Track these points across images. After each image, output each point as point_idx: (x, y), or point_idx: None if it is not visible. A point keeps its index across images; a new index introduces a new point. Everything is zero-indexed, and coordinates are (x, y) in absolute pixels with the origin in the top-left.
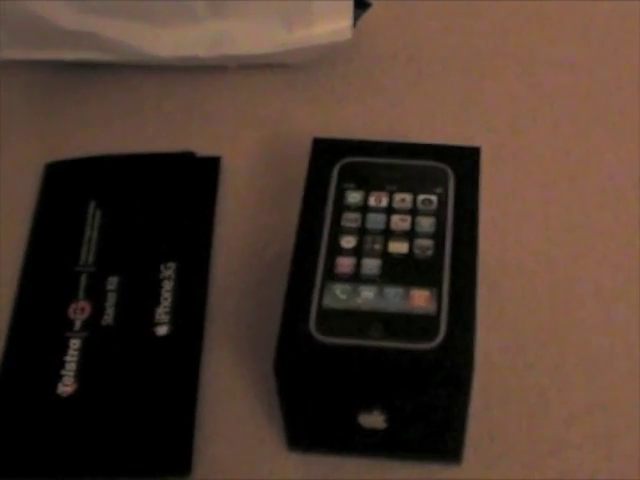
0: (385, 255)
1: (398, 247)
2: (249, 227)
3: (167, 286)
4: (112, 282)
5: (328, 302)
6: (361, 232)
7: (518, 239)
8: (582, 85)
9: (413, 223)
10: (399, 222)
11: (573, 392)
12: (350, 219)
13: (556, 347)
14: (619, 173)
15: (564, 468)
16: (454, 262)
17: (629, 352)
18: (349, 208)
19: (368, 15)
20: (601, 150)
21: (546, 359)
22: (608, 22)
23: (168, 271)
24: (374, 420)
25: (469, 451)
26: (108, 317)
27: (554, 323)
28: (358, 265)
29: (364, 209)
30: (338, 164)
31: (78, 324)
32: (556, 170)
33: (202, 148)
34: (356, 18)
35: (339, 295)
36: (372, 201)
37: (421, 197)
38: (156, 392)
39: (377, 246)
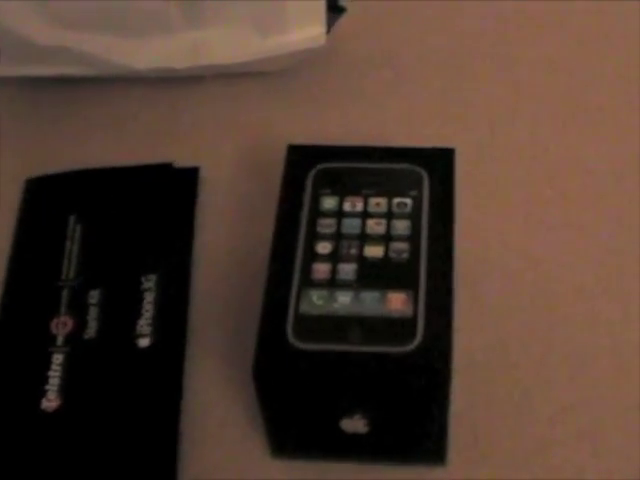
0: (361, 259)
1: (374, 251)
2: (230, 236)
3: (148, 298)
4: (93, 296)
5: (305, 308)
6: (337, 237)
7: (499, 238)
8: (560, 84)
9: (388, 227)
10: (374, 226)
11: (557, 390)
12: (326, 225)
13: (539, 345)
14: (599, 170)
15: (550, 466)
16: (430, 264)
17: (613, 349)
18: (324, 214)
19: (344, 19)
20: (580, 147)
21: (529, 358)
22: (587, 21)
23: (149, 283)
24: (356, 425)
25: (454, 452)
26: (90, 331)
27: (537, 321)
28: (334, 270)
29: (339, 214)
30: (313, 170)
31: (61, 339)
32: (536, 168)
33: (182, 158)
34: (331, 23)
35: (316, 301)
36: (347, 206)
37: (396, 200)
38: (140, 404)
39: (353, 251)
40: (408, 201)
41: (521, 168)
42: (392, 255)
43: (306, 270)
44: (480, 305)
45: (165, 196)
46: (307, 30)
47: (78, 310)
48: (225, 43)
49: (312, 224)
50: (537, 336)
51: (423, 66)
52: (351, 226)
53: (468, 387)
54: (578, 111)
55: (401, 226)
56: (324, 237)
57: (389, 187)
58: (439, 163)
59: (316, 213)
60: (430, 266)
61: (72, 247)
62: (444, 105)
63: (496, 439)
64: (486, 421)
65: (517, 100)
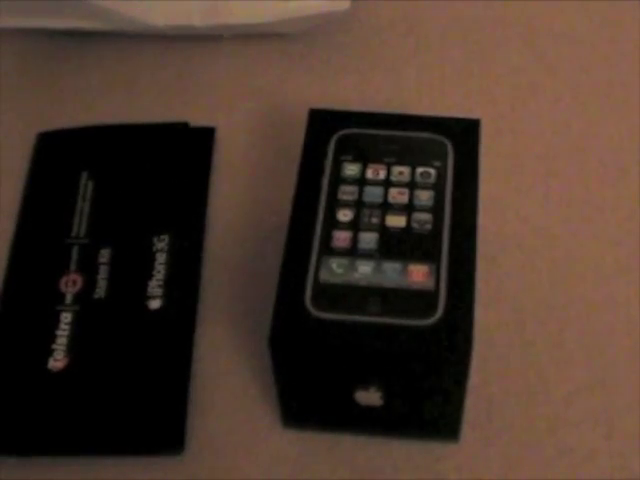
0: (382, 229)
1: (396, 221)
2: (244, 199)
3: (160, 259)
4: (104, 254)
5: (324, 276)
6: (358, 205)
7: (517, 214)
8: (583, 57)
9: (411, 196)
10: (397, 195)
11: (572, 369)
12: (347, 192)
13: (555, 324)
14: (620, 146)
15: (562, 447)
16: (453, 237)
17: (629, 329)
18: (346, 181)
19: None
20: (602, 123)
21: (545, 336)
22: None
23: (161, 243)
24: (371, 397)
25: (467, 429)
26: (100, 290)
27: (553, 299)
28: (355, 239)
29: (361, 182)
30: (335, 136)
31: (69, 297)
32: (556, 143)
33: (197, 118)
34: None
35: (335, 269)
36: (370, 174)
37: (419, 170)
38: (148, 367)
39: (374, 220)
40: (432, 171)
41: (541, 143)
42: (414, 226)
43: (326, 237)
44: (496, 281)
45: (180, 156)
46: None
47: (88, 269)
48: (246, 3)
49: (333, 191)
50: (553, 314)
51: (445, 35)
52: (373, 194)
53: (483, 364)
54: (601, 86)
55: (424, 196)
56: (345, 204)
57: (412, 156)
58: (464, 134)
59: (337, 180)
60: (453, 239)
61: (83, 204)
62: (465, 75)
63: (509, 417)
64: (500, 399)
65: (539, 74)
